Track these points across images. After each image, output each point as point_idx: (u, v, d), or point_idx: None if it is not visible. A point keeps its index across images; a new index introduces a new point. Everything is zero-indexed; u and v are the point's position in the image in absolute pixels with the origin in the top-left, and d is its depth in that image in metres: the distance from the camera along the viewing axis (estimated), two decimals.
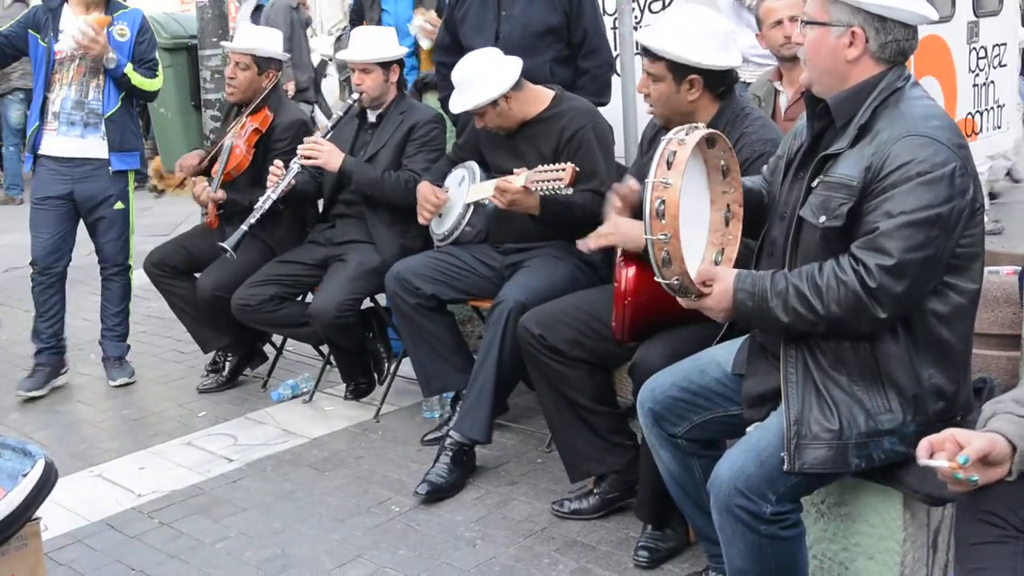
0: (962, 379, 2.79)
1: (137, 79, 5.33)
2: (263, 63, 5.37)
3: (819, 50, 2.75)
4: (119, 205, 5.52)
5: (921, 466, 2.24)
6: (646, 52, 3.58)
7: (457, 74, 4.44)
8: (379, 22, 6.16)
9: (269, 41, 5.49)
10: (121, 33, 5.36)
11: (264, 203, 4.94)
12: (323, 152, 4.90)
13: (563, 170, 3.93)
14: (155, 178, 5.50)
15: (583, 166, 4.07)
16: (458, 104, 4.41)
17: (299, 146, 5.00)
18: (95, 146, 5.42)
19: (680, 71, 3.55)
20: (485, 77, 4.34)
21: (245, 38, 5.45)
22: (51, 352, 5.58)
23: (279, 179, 4.94)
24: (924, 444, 2.25)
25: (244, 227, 4.92)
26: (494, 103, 4.33)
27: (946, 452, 2.22)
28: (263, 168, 5.29)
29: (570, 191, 3.93)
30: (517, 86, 4.37)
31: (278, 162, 4.99)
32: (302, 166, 4.97)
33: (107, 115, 5.38)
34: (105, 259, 5.62)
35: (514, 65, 4.38)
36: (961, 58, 5.88)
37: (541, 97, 4.46)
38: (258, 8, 7.64)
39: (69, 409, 5.42)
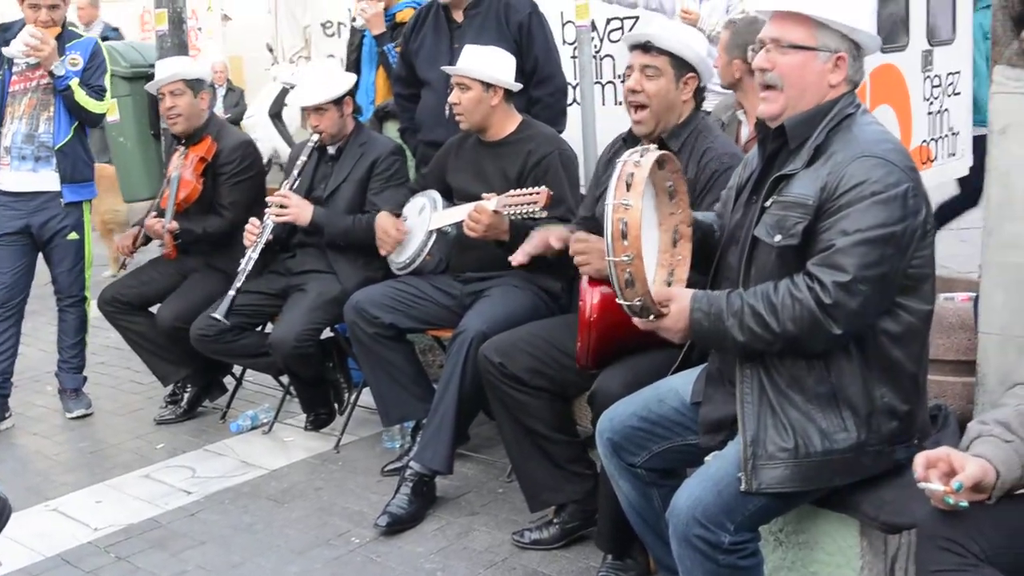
0: (916, 401, 2.82)
1: (81, 95, 5.29)
2: (195, 85, 5.35)
3: (803, 74, 2.79)
4: (73, 236, 5.47)
5: (919, 487, 2.28)
6: (646, 47, 3.60)
7: (471, 48, 4.47)
8: (359, 46, 6.17)
9: (189, 64, 5.52)
10: (73, 62, 5.33)
11: (246, 264, 4.88)
12: (292, 206, 4.88)
13: (537, 194, 3.93)
14: (114, 265, 5.47)
15: None
16: (466, 60, 4.42)
17: (268, 199, 4.98)
18: (47, 179, 5.39)
19: (681, 67, 3.59)
20: (497, 64, 4.42)
21: (167, 68, 5.43)
22: None
23: (256, 237, 4.90)
24: (920, 459, 2.30)
25: (232, 292, 4.85)
26: (488, 86, 4.35)
27: (938, 471, 2.27)
28: (215, 194, 5.32)
29: (545, 214, 3.94)
30: (509, 100, 4.45)
31: (254, 220, 4.95)
32: (274, 221, 4.93)
33: (58, 146, 5.35)
34: (60, 290, 5.57)
35: (517, 84, 4.49)
36: (916, 86, 5.95)
37: (512, 119, 4.50)
38: None
39: (24, 442, 5.35)
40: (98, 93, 5.42)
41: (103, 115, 5.56)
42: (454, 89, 4.42)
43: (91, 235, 5.63)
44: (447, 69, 4.51)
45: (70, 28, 5.48)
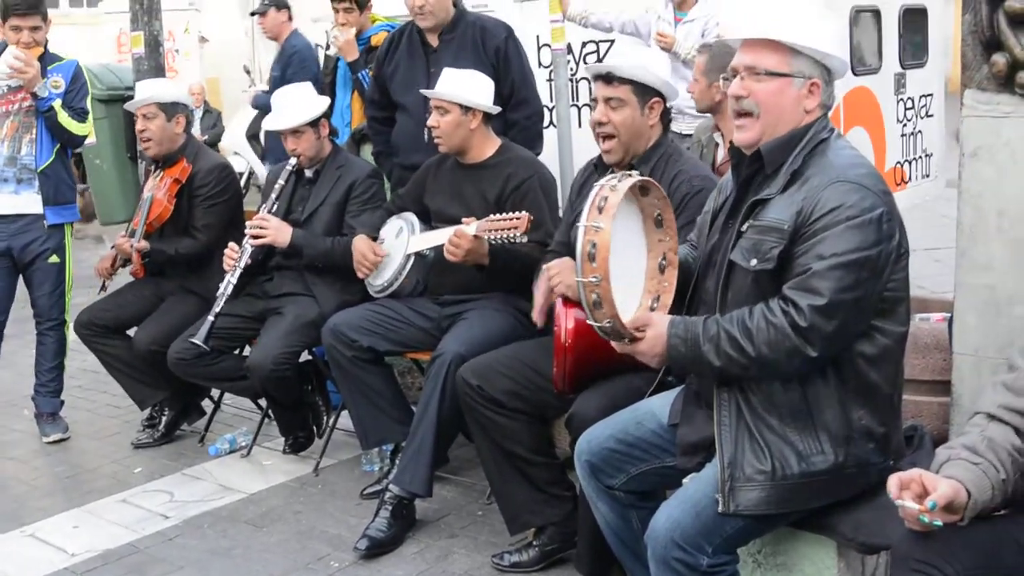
0: (892, 422, 2.85)
1: (64, 117, 5.31)
2: (169, 109, 5.35)
3: (779, 101, 2.82)
4: (54, 259, 5.46)
5: (896, 503, 2.31)
6: (607, 79, 3.63)
7: (450, 71, 4.47)
8: (334, 69, 6.20)
9: (167, 87, 5.53)
10: (55, 85, 5.33)
11: (225, 288, 4.88)
12: (270, 229, 4.87)
13: (518, 219, 3.95)
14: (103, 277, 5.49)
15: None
16: (434, 90, 4.42)
17: (248, 222, 4.97)
18: (29, 201, 5.39)
19: (645, 94, 3.63)
20: (475, 88, 4.42)
21: (143, 90, 5.45)
22: None
23: (235, 262, 4.89)
24: (894, 479, 2.33)
25: (210, 317, 4.85)
26: (466, 109, 4.36)
27: (911, 492, 2.30)
28: (189, 216, 5.32)
29: (525, 239, 3.95)
30: (487, 122, 4.45)
31: (233, 244, 4.95)
32: (253, 245, 4.93)
33: (40, 168, 5.35)
34: (39, 313, 5.56)
35: (495, 107, 4.49)
36: (889, 109, 6.02)
37: (491, 142, 4.52)
38: None
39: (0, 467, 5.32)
40: (80, 115, 5.43)
41: (85, 136, 5.57)
42: (432, 112, 4.43)
43: (72, 258, 5.61)
44: (426, 92, 4.53)
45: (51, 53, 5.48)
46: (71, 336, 5.62)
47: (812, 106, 2.83)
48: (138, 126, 5.36)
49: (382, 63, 5.19)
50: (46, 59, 5.40)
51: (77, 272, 5.81)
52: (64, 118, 5.31)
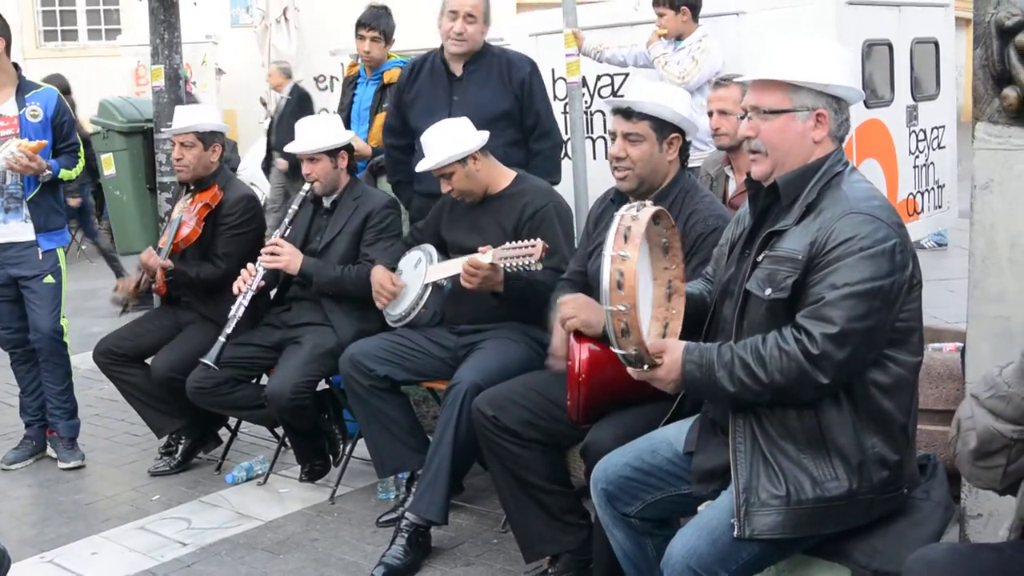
0: (906, 451, 2.88)
1: (65, 174, 5.41)
2: (207, 138, 5.40)
3: (785, 136, 2.87)
4: (49, 279, 5.50)
5: None
6: (627, 114, 3.67)
7: (427, 137, 4.51)
8: (350, 104, 6.27)
9: (207, 115, 5.59)
10: (33, 114, 5.36)
11: (237, 310, 4.91)
12: (283, 254, 4.94)
13: (533, 246, 3.98)
14: (126, 295, 5.51)
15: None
16: (427, 163, 4.46)
17: (262, 250, 5.03)
18: (18, 229, 5.43)
19: (664, 129, 3.66)
20: (456, 137, 4.44)
21: (183, 117, 5.50)
22: (39, 425, 5.65)
23: (247, 284, 4.95)
24: None
25: (221, 338, 4.88)
26: (463, 161, 4.40)
27: None
28: (212, 243, 5.37)
29: (540, 266, 3.99)
30: (484, 152, 4.48)
31: (250, 266, 5.01)
32: (265, 268, 4.99)
33: (29, 197, 5.40)
34: (40, 334, 5.53)
35: (481, 134, 4.50)
36: (901, 141, 6.06)
37: (505, 173, 4.56)
38: None
39: (20, 494, 5.35)
40: (73, 154, 5.51)
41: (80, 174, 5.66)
42: (441, 183, 4.49)
43: (67, 278, 5.66)
44: (423, 168, 4.52)
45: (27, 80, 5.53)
46: (87, 364, 5.65)
47: (821, 136, 2.88)
48: (174, 153, 5.41)
49: (403, 91, 5.25)
50: (23, 87, 5.43)
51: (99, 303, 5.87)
52: (65, 174, 5.40)
